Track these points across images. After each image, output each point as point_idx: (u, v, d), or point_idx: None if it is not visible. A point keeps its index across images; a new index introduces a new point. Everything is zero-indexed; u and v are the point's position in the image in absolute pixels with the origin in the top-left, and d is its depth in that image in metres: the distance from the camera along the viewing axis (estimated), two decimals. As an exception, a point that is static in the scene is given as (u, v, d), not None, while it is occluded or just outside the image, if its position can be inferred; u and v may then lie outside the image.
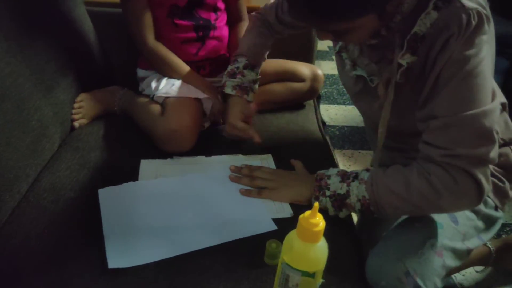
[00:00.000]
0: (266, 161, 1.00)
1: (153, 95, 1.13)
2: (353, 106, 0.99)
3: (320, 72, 1.26)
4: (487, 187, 0.68)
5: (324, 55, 2.72)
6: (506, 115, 0.88)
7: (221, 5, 1.18)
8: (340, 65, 0.91)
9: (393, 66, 0.72)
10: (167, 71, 1.14)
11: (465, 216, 0.81)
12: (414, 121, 0.74)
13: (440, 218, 0.78)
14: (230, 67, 1.03)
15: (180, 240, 0.76)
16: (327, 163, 0.96)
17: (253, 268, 0.71)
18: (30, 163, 0.89)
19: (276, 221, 0.80)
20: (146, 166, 0.95)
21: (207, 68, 1.20)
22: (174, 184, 0.91)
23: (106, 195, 0.85)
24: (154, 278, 0.69)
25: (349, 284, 0.71)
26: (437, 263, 0.72)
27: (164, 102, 1.09)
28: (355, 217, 0.88)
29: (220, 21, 1.19)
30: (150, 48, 1.12)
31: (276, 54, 1.12)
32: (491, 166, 0.69)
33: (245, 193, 0.87)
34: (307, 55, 1.41)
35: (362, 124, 1.02)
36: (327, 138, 1.19)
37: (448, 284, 1.15)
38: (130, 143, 1.07)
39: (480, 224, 0.82)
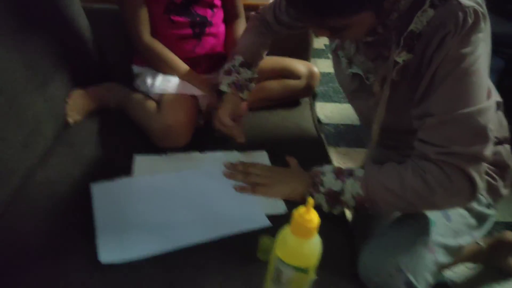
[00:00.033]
0: (261, 157, 1.00)
1: (149, 92, 1.13)
2: (348, 104, 0.99)
3: (316, 69, 1.26)
4: (481, 184, 0.69)
5: (320, 53, 2.72)
6: (500, 113, 0.88)
7: (217, 2, 1.18)
8: (336, 63, 0.91)
9: (389, 63, 0.73)
10: (163, 68, 1.14)
11: (458, 213, 0.81)
12: (409, 119, 0.74)
13: (433, 215, 0.78)
14: (227, 65, 1.03)
15: (173, 235, 0.76)
16: (321, 161, 0.96)
17: (247, 264, 0.72)
18: (23, 158, 0.89)
19: (270, 217, 0.81)
20: (140, 161, 0.95)
21: (203, 65, 1.20)
22: (168, 180, 0.90)
23: (99, 190, 0.85)
24: (148, 273, 0.69)
25: (341, 280, 0.72)
26: (429, 259, 0.72)
27: (160, 99, 1.09)
28: (348, 214, 0.88)
29: (217, 18, 1.19)
30: (146, 44, 1.12)
31: (272, 51, 1.12)
32: (484, 164, 0.69)
33: (240, 189, 0.87)
34: (304, 53, 1.40)
35: (358, 122, 1.02)
36: (322, 135, 1.19)
37: (439, 280, 1.16)
38: (124, 139, 1.06)
39: (472, 221, 0.83)
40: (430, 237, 0.74)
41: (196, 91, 1.11)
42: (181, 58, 1.14)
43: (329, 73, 2.43)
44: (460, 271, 1.27)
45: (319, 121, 1.31)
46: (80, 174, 0.91)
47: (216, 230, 0.77)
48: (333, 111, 2.14)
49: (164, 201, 0.84)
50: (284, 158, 0.94)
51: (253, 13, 1.10)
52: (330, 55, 0.94)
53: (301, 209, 0.54)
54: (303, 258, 0.55)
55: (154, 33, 1.13)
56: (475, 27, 0.64)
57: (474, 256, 1.19)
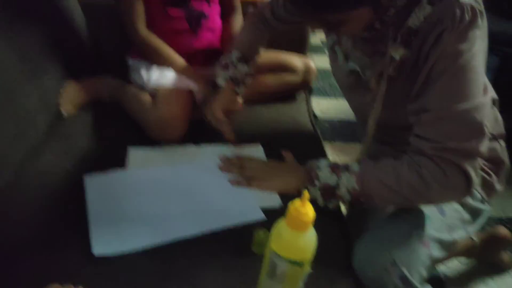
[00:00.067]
0: (256, 151, 1.00)
1: (144, 85, 1.12)
2: (344, 100, 0.99)
3: (312, 64, 1.26)
4: (476, 180, 0.69)
5: (316, 49, 2.71)
6: (496, 110, 0.88)
7: (214, -5, 1.17)
8: (333, 59, 0.91)
9: (386, 59, 0.72)
10: (159, 61, 1.13)
11: (452, 208, 0.81)
12: (405, 114, 0.74)
13: (428, 210, 0.78)
14: (223, 59, 1.02)
15: (167, 228, 0.75)
16: (317, 155, 0.96)
17: (241, 257, 0.72)
18: (16, 149, 0.88)
19: (265, 211, 0.81)
20: (135, 154, 0.95)
21: (199, 60, 1.19)
22: (162, 173, 0.90)
23: (93, 182, 0.85)
24: (142, 265, 0.69)
25: (336, 273, 0.72)
26: (423, 254, 0.73)
27: (155, 92, 1.08)
28: (343, 207, 0.88)
29: (213, 12, 1.18)
30: (141, 37, 1.11)
31: (269, 45, 1.11)
32: (479, 160, 0.70)
33: (235, 182, 0.87)
34: (300, 47, 1.40)
35: (353, 118, 1.02)
36: (318, 130, 1.19)
37: (433, 275, 1.17)
38: (119, 131, 1.06)
39: (466, 216, 0.83)
40: (424, 231, 0.75)
41: (192, 85, 1.10)
42: (177, 52, 1.13)
43: (326, 69, 2.43)
44: (454, 266, 1.28)
45: (314, 116, 1.32)
46: (73, 166, 0.91)
47: (211, 223, 0.77)
48: (329, 106, 2.14)
49: (158, 194, 0.84)
50: (279, 153, 0.94)
51: (251, 9, 1.10)
52: (326, 51, 0.93)
53: (296, 202, 0.54)
54: (298, 251, 0.55)
55: (151, 27, 1.13)
56: (472, 24, 0.65)
57: (467, 251, 1.20)
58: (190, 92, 1.10)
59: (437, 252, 0.76)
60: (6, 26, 0.91)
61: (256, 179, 0.86)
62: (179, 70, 1.12)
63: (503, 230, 1.24)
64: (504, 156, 0.88)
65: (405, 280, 0.69)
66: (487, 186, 0.85)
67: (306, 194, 0.53)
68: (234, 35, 1.16)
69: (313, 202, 0.74)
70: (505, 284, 1.24)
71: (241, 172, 0.88)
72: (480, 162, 0.71)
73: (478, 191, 0.85)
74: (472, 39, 0.65)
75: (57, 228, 0.75)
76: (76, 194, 0.82)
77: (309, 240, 0.56)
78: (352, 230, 0.84)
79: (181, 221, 0.77)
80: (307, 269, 0.57)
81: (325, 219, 0.72)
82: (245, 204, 0.82)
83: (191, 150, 0.99)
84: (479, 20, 0.65)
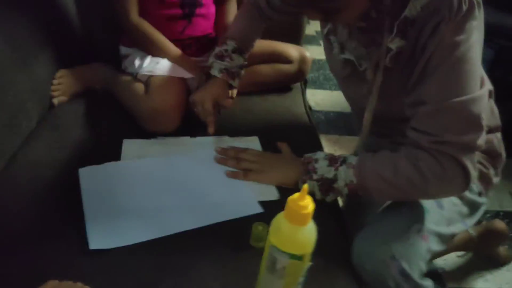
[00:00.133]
0: (252, 143, 0.98)
1: (137, 73, 1.10)
2: (339, 92, 0.98)
3: (308, 54, 1.24)
4: (474, 173, 0.69)
5: (311, 40, 2.70)
6: (492, 102, 0.88)
7: (208, -19, 1.15)
8: (328, 49, 0.89)
9: (382, 50, 0.72)
10: (152, 49, 1.11)
11: (450, 201, 0.81)
12: (402, 106, 0.74)
13: (426, 203, 0.78)
14: (218, 49, 1.00)
15: (164, 221, 0.74)
16: (313, 147, 0.96)
17: (239, 251, 0.71)
18: (7, 139, 0.86)
19: (262, 203, 0.80)
20: (129, 146, 0.93)
21: (193, 48, 1.17)
22: (158, 165, 0.89)
23: (87, 174, 0.83)
24: (137, 259, 0.68)
25: (335, 267, 0.72)
26: (422, 247, 0.73)
27: (148, 81, 1.06)
28: (340, 201, 0.88)
29: (207, -2, 1.16)
30: (133, 24, 1.09)
31: (263, 35, 1.10)
32: (476, 153, 0.69)
33: (231, 175, 0.86)
34: (295, 37, 1.38)
35: (348, 110, 1.01)
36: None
37: (430, 268, 1.18)
38: (112, 121, 1.04)
39: (464, 209, 0.83)
40: (423, 225, 0.75)
41: (186, 73, 1.08)
42: (170, 40, 1.11)
43: (320, 60, 2.42)
44: (451, 259, 1.29)
45: (309, 108, 1.31)
46: (66, 157, 0.89)
47: (208, 217, 0.76)
48: (324, 98, 2.13)
49: (154, 187, 0.83)
50: (275, 144, 0.93)
51: None
52: (321, 42, 0.92)
53: (295, 196, 0.53)
54: (298, 245, 0.54)
55: (143, 14, 1.10)
56: (469, 14, 0.64)
57: (464, 244, 1.21)
58: (184, 81, 1.08)
59: (436, 245, 0.76)
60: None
61: (253, 172, 0.85)
62: (172, 59, 1.10)
63: (499, 224, 1.25)
64: (501, 148, 0.88)
65: (404, 274, 0.69)
66: (484, 179, 0.86)
67: (305, 187, 0.53)
68: (229, 23, 1.14)
69: (311, 195, 0.73)
70: (502, 278, 1.25)
71: (237, 165, 0.87)
72: (477, 155, 0.70)
73: (475, 184, 0.85)
74: (469, 30, 0.65)
75: (51, 221, 0.74)
76: (69, 186, 0.80)
77: (309, 234, 0.55)
78: (349, 224, 0.83)
79: (178, 215, 0.76)
80: (308, 263, 0.57)
81: (322, 213, 0.71)
82: (242, 197, 0.81)
83: (187, 142, 0.97)
84: (477, 11, 0.65)
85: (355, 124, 1.04)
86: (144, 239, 0.70)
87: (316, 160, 0.79)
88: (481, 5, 0.66)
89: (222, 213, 0.77)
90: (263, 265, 0.59)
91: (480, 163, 0.85)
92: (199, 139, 0.98)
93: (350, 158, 0.77)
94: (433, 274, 1.23)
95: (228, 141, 0.97)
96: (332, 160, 0.78)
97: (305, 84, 1.37)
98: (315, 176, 0.77)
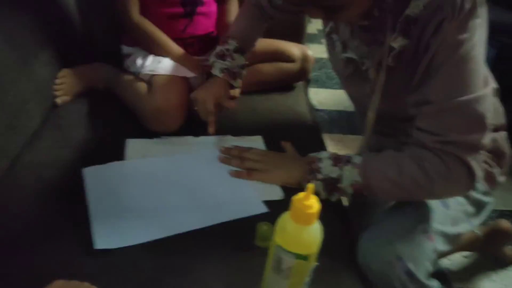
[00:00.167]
0: (256, 142, 0.98)
1: (139, 73, 1.09)
2: (342, 91, 0.97)
3: (310, 52, 1.24)
4: (479, 173, 0.68)
5: (313, 38, 2.69)
6: (496, 100, 0.87)
7: (208, -21, 1.15)
8: (330, 47, 0.89)
9: (384, 49, 0.71)
10: (154, 49, 1.11)
11: (456, 201, 0.81)
12: (405, 105, 0.73)
13: (431, 202, 0.77)
14: (219, 48, 0.99)
15: (169, 221, 0.74)
16: (316, 146, 0.96)
17: (244, 250, 0.71)
18: (10, 140, 0.86)
19: (266, 203, 0.80)
20: (133, 145, 0.93)
21: (195, 46, 1.17)
22: (162, 165, 0.88)
23: (92, 174, 0.83)
24: (142, 259, 0.68)
25: (341, 267, 0.71)
26: (428, 248, 0.72)
27: (151, 80, 1.06)
28: (345, 200, 0.87)
29: (208, -4, 1.16)
30: (135, 23, 1.09)
31: (265, 33, 1.09)
32: (482, 152, 0.69)
33: (235, 174, 0.85)
34: (297, 35, 1.38)
35: (351, 109, 1.01)
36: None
37: (436, 269, 1.17)
38: (115, 121, 1.04)
39: (470, 209, 0.82)
40: (429, 225, 0.74)
41: (188, 73, 1.08)
42: (172, 39, 1.11)
43: (322, 59, 2.41)
44: (456, 260, 1.28)
45: (313, 107, 1.31)
46: (69, 157, 0.89)
47: (212, 217, 0.75)
48: (327, 97, 2.13)
49: (158, 186, 0.83)
50: (278, 143, 0.93)
51: None
52: (323, 40, 0.92)
53: (301, 195, 0.53)
54: (304, 245, 0.54)
55: (144, 12, 1.10)
56: (472, 13, 0.63)
57: (470, 244, 1.20)
58: (187, 81, 1.08)
59: (442, 245, 0.75)
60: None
61: (257, 171, 0.85)
62: (174, 58, 1.10)
63: (505, 224, 1.24)
64: (505, 147, 0.87)
65: (410, 274, 0.69)
66: (490, 178, 0.85)
67: (310, 186, 0.52)
68: (230, 22, 1.13)
69: (315, 195, 0.73)
70: (508, 278, 1.24)
71: (241, 164, 0.87)
72: (482, 154, 0.70)
73: (480, 183, 0.84)
74: (472, 29, 0.64)
75: (55, 221, 0.74)
76: (73, 186, 0.80)
77: (315, 233, 0.54)
78: (354, 223, 0.83)
79: (183, 215, 0.76)
80: (313, 262, 0.56)
81: (327, 212, 0.71)
82: (246, 197, 0.81)
83: (190, 141, 0.97)
84: (480, 8, 0.64)
85: (358, 123, 1.03)
86: (149, 239, 0.70)
87: (320, 160, 0.78)
88: (484, 3, 0.65)
89: (226, 213, 0.76)
90: (269, 265, 0.58)
91: (485, 162, 0.84)
92: (202, 138, 0.98)
93: (355, 158, 0.76)
94: (439, 274, 1.22)
95: (232, 141, 0.97)
96: (337, 160, 0.77)
97: (307, 82, 1.37)
98: (319, 176, 0.77)
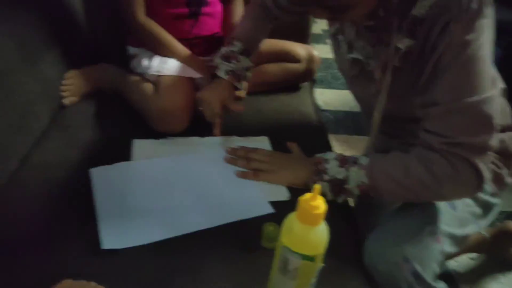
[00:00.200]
0: (262, 143, 0.98)
1: (145, 73, 1.10)
2: (347, 91, 0.97)
3: (316, 52, 1.24)
4: (487, 175, 0.68)
5: (318, 38, 2.68)
6: (503, 100, 0.87)
7: (213, -21, 1.15)
8: (336, 48, 0.89)
9: (390, 49, 0.71)
10: (160, 50, 1.11)
11: (463, 202, 0.80)
12: (411, 106, 0.73)
13: (438, 204, 0.77)
14: (224, 49, 0.99)
15: (175, 222, 0.74)
16: (323, 147, 0.95)
17: (250, 251, 0.71)
18: (18, 140, 0.87)
19: (272, 203, 0.79)
20: (139, 146, 0.93)
21: (201, 47, 1.17)
22: (168, 165, 0.89)
23: (99, 174, 0.83)
24: (149, 259, 0.68)
25: (347, 268, 0.71)
26: (435, 249, 0.72)
27: (157, 81, 1.06)
28: (351, 201, 0.87)
29: (214, -4, 1.16)
30: (140, 24, 1.09)
31: (271, 34, 1.09)
32: (490, 154, 0.68)
33: (241, 175, 0.86)
34: (303, 36, 1.38)
35: (357, 109, 1.01)
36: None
37: (443, 270, 1.16)
38: (122, 122, 1.04)
39: (477, 210, 0.82)
40: (436, 226, 0.74)
41: (194, 73, 1.08)
42: (177, 39, 1.11)
43: (328, 59, 2.40)
44: (463, 261, 1.27)
45: (318, 107, 1.31)
46: (76, 157, 0.89)
47: (219, 217, 0.75)
48: (332, 97, 2.12)
49: (165, 187, 0.83)
50: (284, 144, 0.93)
51: None
52: (328, 41, 0.91)
53: (307, 196, 0.53)
54: (310, 246, 0.54)
55: (150, 13, 1.11)
56: (479, 13, 0.63)
57: (478, 246, 1.19)
58: (193, 81, 1.08)
59: (449, 247, 0.75)
60: (5, 13, 0.89)
61: (263, 172, 0.85)
62: (181, 59, 1.10)
63: None
64: (513, 148, 0.87)
65: (417, 276, 0.68)
66: (498, 179, 0.84)
67: (317, 187, 0.52)
68: (235, 22, 1.13)
69: (321, 195, 0.73)
70: (516, 280, 1.24)
71: (247, 165, 0.87)
72: (490, 155, 0.69)
73: (488, 184, 0.83)
74: (479, 29, 0.63)
75: (63, 221, 0.74)
76: (81, 186, 0.80)
77: (321, 234, 0.54)
78: (361, 224, 0.83)
79: (189, 215, 0.76)
80: (320, 263, 0.56)
81: (333, 213, 0.71)
82: (253, 197, 0.81)
83: (196, 142, 0.97)
84: (487, 8, 0.64)
85: (364, 124, 1.03)
86: (155, 239, 0.70)
87: (327, 161, 0.78)
88: (491, 3, 0.65)
89: (232, 213, 0.76)
90: (275, 266, 0.58)
91: (493, 163, 0.83)
92: (208, 139, 0.98)
93: (361, 159, 0.76)
94: (446, 276, 1.22)
95: (238, 141, 0.97)
96: (343, 161, 0.77)
97: (313, 82, 1.37)
98: (326, 177, 0.77)
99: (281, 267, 0.56)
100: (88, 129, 0.99)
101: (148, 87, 1.07)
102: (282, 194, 0.82)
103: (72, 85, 1.09)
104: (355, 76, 0.86)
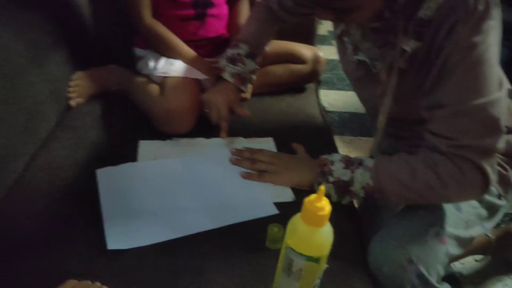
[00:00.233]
0: (267, 144, 0.98)
1: (151, 75, 1.10)
2: (353, 92, 0.97)
3: (321, 54, 1.24)
4: (493, 177, 0.68)
5: (323, 40, 2.69)
6: (510, 102, 0.86)
7: (219, -19, 1.15)
8: (341, 50, 0.89)
9: (396, 51, 0.71)
10: (166, 51, 1.11)
11: (469, 204, 0.80)
12: (417, 108, 0.73)
13: (444, 205, 0.77)
14: (230, 52, 0.99)
15: (180, 222, 0.74)
16: (328, 148, 0.95)
17: (254, 252, 0.71)
18: (25, 141, 0.87)
19: (277, 205, 0.79)
20: (145, 147, 0.94)
21: (207, 48, 1.17)
22: (174, 166, 0.89)
23: (105, 175, 0.84)
24: (154, 260, 0.68)
25: (351, 270, 0.71)
26: (440, 251, 0.72)
27: (163, 82, 1.07)
28: (356, 202, 0.87)
29: (219, -3, 1.16)
30: (147, 26, 1.09)
31: (276, 35, 1.09)
32: (496, 156, 0.68)
33: (246, 176, 0.86)
34: (308, 37, 1.38)
35: (362, 110, 1.00)
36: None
37: (447, 272, 1.16)
38: (128, 123, 1.05)
39: (483, 212, 0.81)
40: (441, 228, 0.73)
41: (200, 75, 1.09)
42: (184, 41, 1.12)
43: (333, 60, 2.40)
44: (469, 263, 1.26)
45: (324, 108, 1.30)
46: (83, 158, 0.90)
47: (223, 218, 0.76)
48: (337, 98, 2.12)
49: (170, 187, 0.83)
50: (289, 145, 0.93)
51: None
52: (333, 42, 0.91)
53: (312, 197, 0.53)
54: (314, 247, 0.54)
55: (156, 15, 1.11)
56: (486, 14, 0.63)
57: (483, 248, 1.19)
58: (199, 83, 1.09)
59: (454, 249, 0.75)
60: (10, 12, 0.90)
61: (268, 173, 0.85)
62: (187, 60, 1.10)
63: None
64: (520, 150, 0.86)
65: (422, 277, 0.68)
66: (504, 181, 0.84)
67: (322, 188, 0.52)
68: (241, 24, 1.14)
69: (326, 197, 0.73)
70: (522, 282, 1.23)
71: (252, 166, 0.87)
72: (497, 158, 0.69)
73: (494, 186, 0.83)
74: (486, 31, 0.63)
75: (69, 221, 0.75)
76: (87, 187, 0.81)
77: (326, 235, 0.54)
78: (365, 225, 0.83)
79: (194, 216, 0.76)
80: (324, 265, 0.56)
81: (338, 214, 0.71)
82: (257, 198, 0.81)
83: (202, 143, 0.98)
84: (493, 10, 0.63)
85: (370, 125, 1.03)
86: (161, 240, 0.71)
87: (332, 162, 0.78)
88: (498, 4, 0.64)
89: (237, 214, 0.77)
90: (279, 267, 0.58)
91: (499, 165, 0.83)
92: (213, 140, 0.98)
93: (367, 161, 0.76)
94: (450, 277, 1.21)
95: (243, 142, 0.97)
96: (348, 163, 0.77)
97: (318, 84, 1.37)
98: (331, 179, 0.77)
99: (285, 268, 0.56)
100: (94, 130, 1.00)
101: (154, 88, 1.07)
102: (287, 195, 0.82)
103: (78, 86, 1.10)
104: (360, 77, 0.85)
